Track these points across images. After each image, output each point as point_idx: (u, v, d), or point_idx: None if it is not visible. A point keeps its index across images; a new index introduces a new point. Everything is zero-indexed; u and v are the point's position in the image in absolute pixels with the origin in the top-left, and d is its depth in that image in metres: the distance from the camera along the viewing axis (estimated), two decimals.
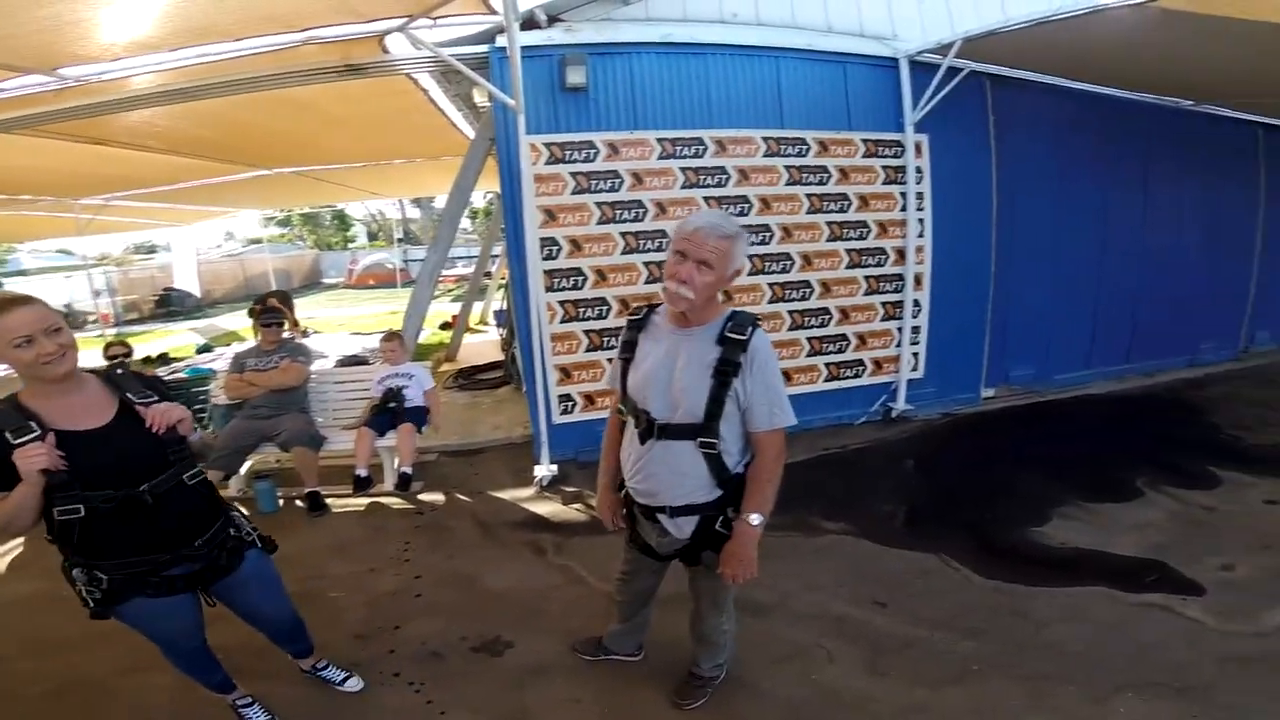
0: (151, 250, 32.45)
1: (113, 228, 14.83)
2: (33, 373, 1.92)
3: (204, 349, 11.70)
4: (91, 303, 16.52)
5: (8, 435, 1.87)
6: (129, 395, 2.11)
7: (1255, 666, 2.82)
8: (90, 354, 9.99)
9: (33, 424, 1.90)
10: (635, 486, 2.29)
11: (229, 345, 11.76)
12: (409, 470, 4.87)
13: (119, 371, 2.21)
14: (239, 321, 16.83)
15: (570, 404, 5.40)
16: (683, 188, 5.27)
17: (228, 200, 13.21)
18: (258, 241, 31.91)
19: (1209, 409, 6.40)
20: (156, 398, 2.15)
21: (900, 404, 6.21)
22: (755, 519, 2.12)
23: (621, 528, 2.51)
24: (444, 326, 12.36)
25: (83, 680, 3.03)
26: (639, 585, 2.70)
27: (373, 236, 41.24)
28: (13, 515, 1.89)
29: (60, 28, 3.46)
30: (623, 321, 2.35)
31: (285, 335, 5.55)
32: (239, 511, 2.47)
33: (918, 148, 5.78)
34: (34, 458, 1.85)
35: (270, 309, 5.66)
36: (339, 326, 15.17)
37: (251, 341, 6.33)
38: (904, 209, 5.86)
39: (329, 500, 4.81)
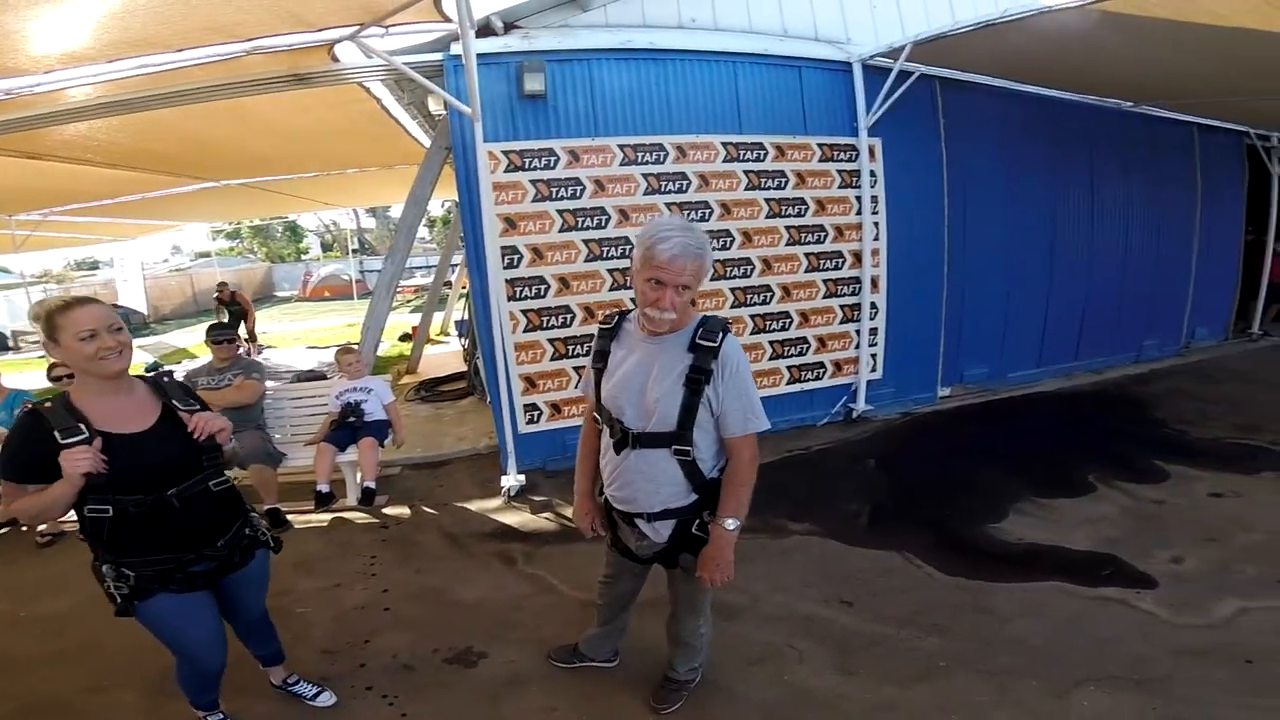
0: (95, 266, 31.39)
1: (52, 243, 14.32)
2: (91, 366, 2.02)
3: (153, 367, 11.36)
4: (30, 322, 15.90)
5: (57, 435, 1.96)
6: (174, 402, 2.21)
7: (1208, 658, 2.90)
8: (32, 375, 9.64)
9: (82, 426, 1.99)
10: (613, 494, 2.31)
11: (180, 363, 11.45)
12: (372, 484, 4.75)
13: (166, 380, 2.30)
14: (189, 338, 16.36)
15: (536, 413, 5.36)
16: (645, 194, 5.29)
17: (174, 214, 12.85)
18: (206, 255, 31.12)
19: (1154, 404, 6.64)
20: (199, 406, 2.25)
21: (860, 405, 6.31)
22: (730, 523, 2.14)
23: (600, 535, 2.51)
24: (404, 338, 12.19)
25: (48, 700, 2.96)
26: (620, 589, 2.71)
27: (327, 248, 40.48)
28: (47, 508, 2.02)
29: None
30: (588, 330, 2.36)
31: (239, 351, 5.40)
32: (256, 511, 2.54)
33: (871, 151, 5.89)
34: (80, 460, 1.94)
35: (220, 325, 5.50)
36: (294, 340, 14.86)
37: (203, 359, 6.15)
38: (859, 212, 5.97)
39: (290, 516, 4.69)
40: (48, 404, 2.06)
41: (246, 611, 2.60)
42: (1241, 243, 9.14)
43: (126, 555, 2.12)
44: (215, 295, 13.43)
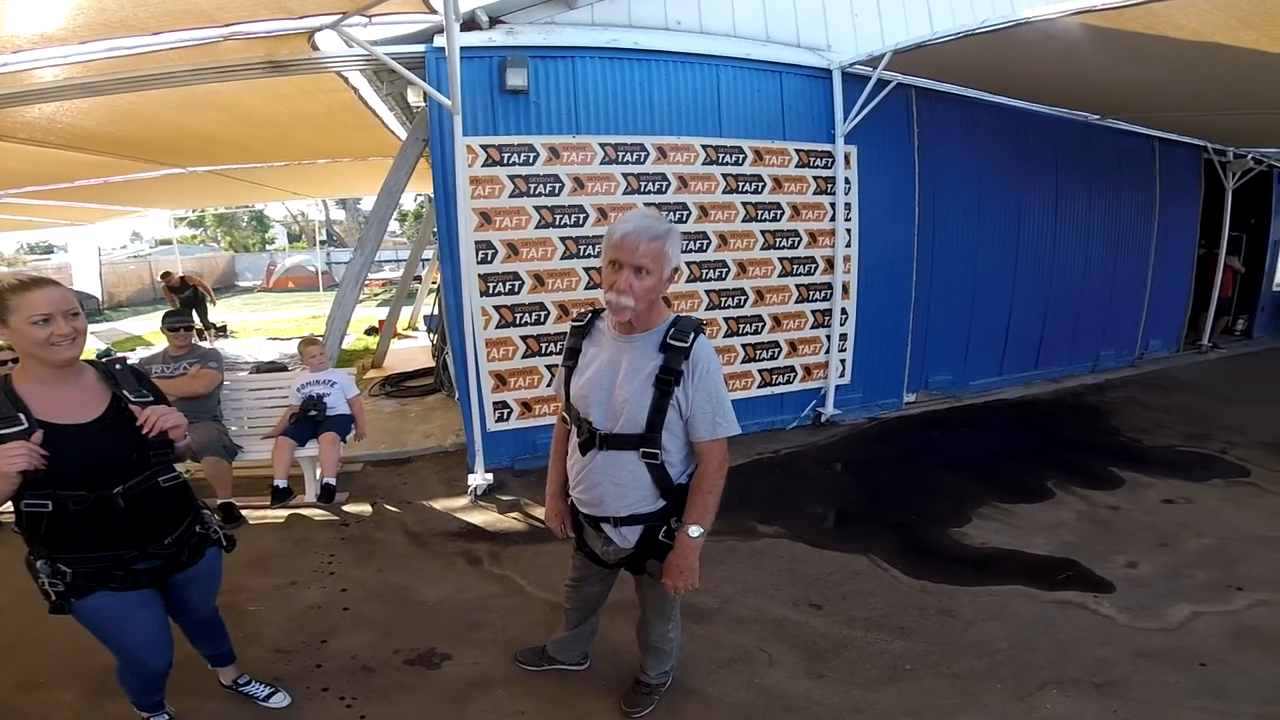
0: (49, 250, 30.39)
1: (5, 226, 13.81)
2: (40, 352, 1.93)
3: (104, 354, 11.02)
4: None
5: None
6: (125, 393, 2.09)
7: (1164, 661, 2.99)
8: None
9: (21, 416, 1.88)
10: (579, 496, 2.26)
11: (134, 350, 11.13)
12: (333, 481, 4.61)
13: (118, 367, 2.17)
14: (144, 325, 15.92)
15: (506, 411, 5.31)
16: (624, 193, 5.27)
17: (136, 199, 12.47)
18: (167, 243, 30.28)
19: (1110, 413, 6.85)
20: (152, 398, 2.14)
21: (829, 409, 6.37)
22: (695, 530, 2.10)
23: (570, 536, 2.48)
24: (370, 332, 12.00)
25: None
26: (587, 592, 2.67)
27: (294, 239, 39.71)
28: None
29: None
30: (561, 328, 2.32)
31: (196, 342, 5.25)
32: (208, 509, 2.43)
33: (847, 159, 5.96)
34: (15, 458, 1.81)
35: (176, 313, 5.34)
36: (255, 330, 14.54)
37: (159, 346, 5.97)
38: (833, 219, 6.03)
39: (245, 511, 4.57)
40: None
41: (195, 611, 2.51)
42: (1195, 256, 9.44)
43: (64, 551, 2.02)
44: (163, 284, 13.10)
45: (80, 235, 18.53)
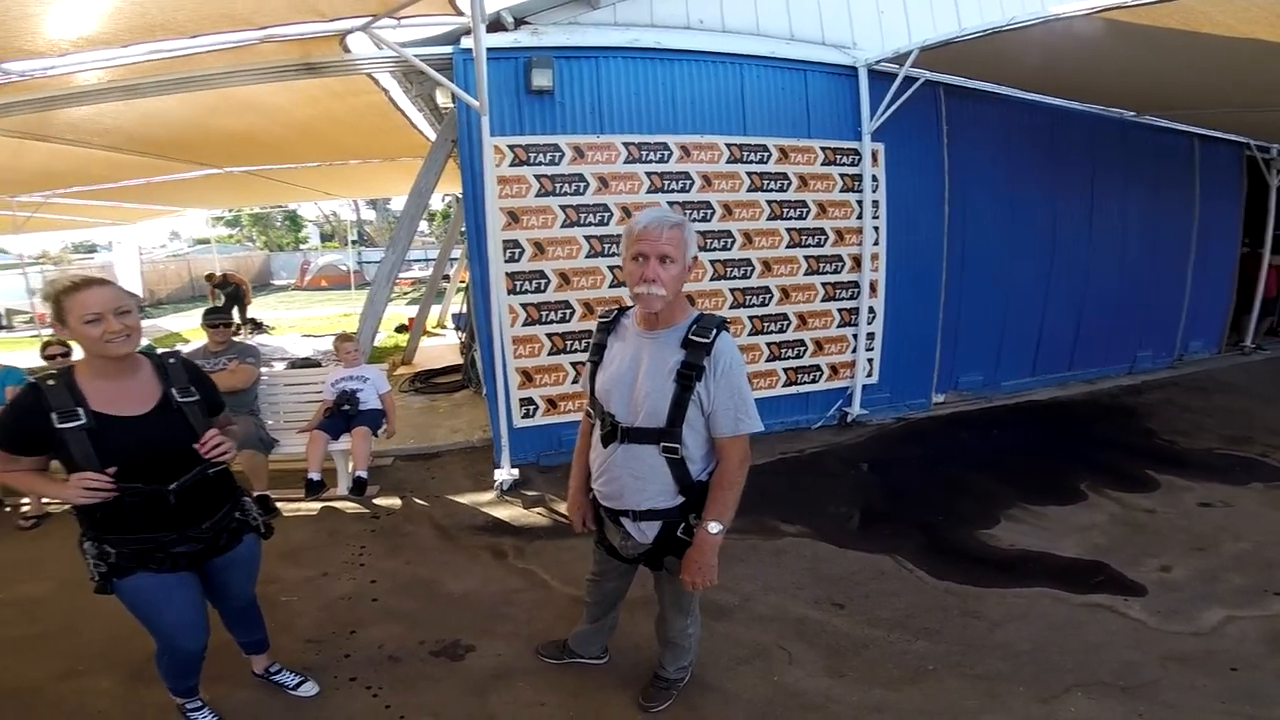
0: (92, 249, 31.21)
1: (52, 225, 14.24)
2: (96, 349, 2.03)
3: (146, 351, 11.31)
4: (27, 302, 15.83)
5: (54, 416, 1.98)
6: (172, 390, 2.19)
7: (1195, 665, 2.94)
8: (25, 354, 9.60)
9: (80, 410, 2.00)
10: (600, 489, 2.29)
11: (173, 347, 11.40)
12: (364, 474, 4.75)
13: (171, 361, 2.28)
14: (184, 323, 16.32)
15: (532, 408, 5.36)
16: (648, 192, 5.30)
17: (175, 199, 12.81)
18: (205, 242, 30.98)
19: (1146, 415, 6.69)
20: (198, 396, 2.24)
21: (856, 409, 6.32)
22: (714, 527, 2.11)
23: (590, 530, 2.51)
24: (400, 329, 12.17)
25: (19, 687, 2.91)
26: (608, 587, 2.69)
27: (326, 238, 40.34)
28: (41, 493, 2.19)
29: (6, 22, 3.33)
30: (586, 325, 2.35)
31: (236, 337, 5.40)
32: (249, 496, 2.53)
33: (874, 156, 5.91)
34: (87, 494, 1.96)
35: (216, 310, 5.50)
36: (290, 328, 14.82)
37: (198, 343, 6.14)
38: (860, 217, 5.98)
39: (280, 504, 4.69)
40: (50, 381, 2.05)
41: (234, 597, 2.58)
42: (1237, 255, 9.17)
43: (109, 532, 2.12)
44: (207, 283, 13.48)
45: (122, 234, 19.01)
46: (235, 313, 12.11)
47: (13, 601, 3.60)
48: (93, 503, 1.99)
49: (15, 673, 3.00)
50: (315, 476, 4.68)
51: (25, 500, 4.63)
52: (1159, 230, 8.05)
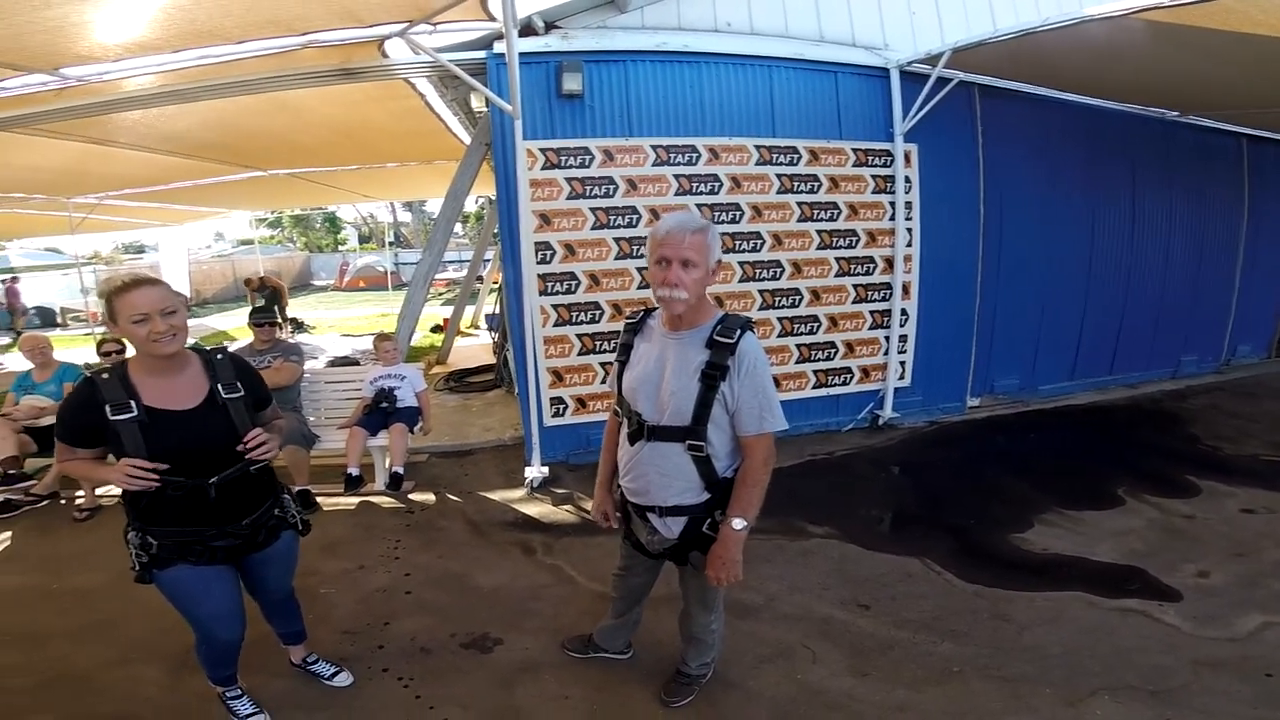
0: (140, 250, 32.19)
1: (104, 227, 14.74)
2: (144, 347, 2.10)
3: (193, 349, 11.64)
4: (81, 301, 16.42)
5: (107, 408, 2.06)
6: (219, 386, 2.26)
7: (1228, 671, 2.89)
8: (80, 351, 9.98)
9: (132, 403, 2.09)
10: (627, 485, 2.34)
11: (220, 345, 11.71)
12: (401, 470, 4.87)
13: (219, 357, 2.35)
14: (229, 321, 16.77)
15: (562, 407, 5.44)
16: (676, 195, 5.33)
17: (221, 201, 13.18)
18: (248, 243, 31.72)
19: (1190, 420, 6.52)
20: (242, 391, 2.31)
21: (887, 412, 6.27)
22: (739, 523, 2.14)
23: (613, 527, 2.55)
24: (435, 329, 12.36)
25: (70, 673, 3.03)
26: (633, 582, 2.74)
27: (364, 240, 41.09)
28: (95, 481, 2.26)
29: (64, 28, 3.49)
30: (615, 326, 2.40)
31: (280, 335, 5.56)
32: (289, 493, 2.61)
33: (907, 157, 5.86)
34: (134, 480, 2.05)
35: (262, 309, 5.66)
36: (329, 328, 15.14)
37: (243, 341, 6.33)
38: (893, 218, 5.94)
39: (319, 499, 4.82)
40: (105, 374, 2.13)
41: (272, 590, 2.67)
42: None
43: (153, 524, 2.20)
44: (246, 286, 13.85)
45: (169, 235, 19.57)
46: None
47: (68, 591, 3.75)
48: (137, 490, 2.07)
49: (70, 659, 3.13)
50: (354, 472, 4.82)
51: (80, 493, 4.82)
52: (1205, 231, 7.83)
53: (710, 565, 2.21)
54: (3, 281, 18.11)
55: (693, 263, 2.03)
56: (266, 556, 2.48)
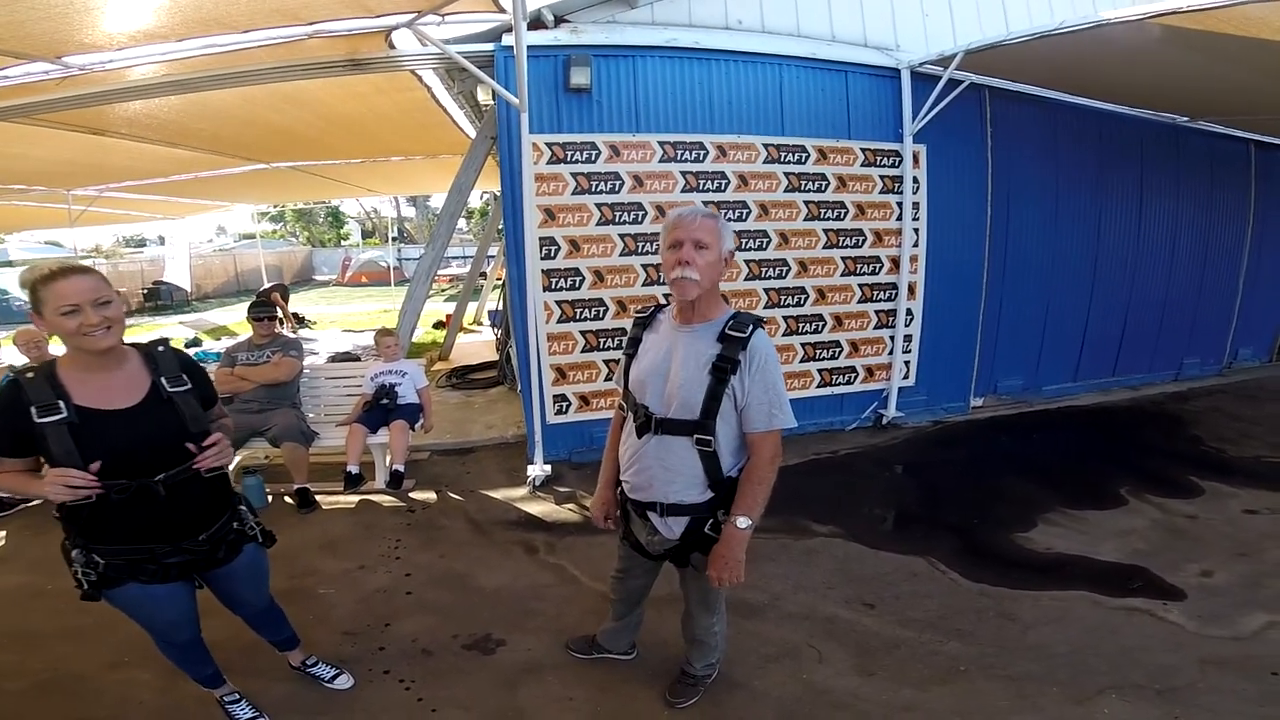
0: (142, 243, 32.21)
1: (105, 219, 14.73)
2: (75, 342, 1.92)
3: (193, 343, 11.66)
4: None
5: (33, 411, 1.88)
6: (162, 380, 2.09)
7: (1233, 669, 2.89)
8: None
9: (61, 403, 1.90)
10: (629, 480, 2.30)
11: (218, 339, 11.72)
12: (401, 468, 4.82)
13: (160, 349, 2.17)
14: (229, 316, 16.74)
15: (565, 404, 5.41)
16: (682, 191, 5.30)
17: (223, 194, 13.17)
18: (250, 237, 31.69)
19: (1192, 422, 6.52)
20: (189, 384, 2.14)
21: (891, 411, 6.26)
22: (743, 522, 2.11)
23: (612, 527, 2.53)
24: (437, 326, 12.35)
25: (67, 675, 2.99)
26: (632, 584, 2.71)
27: (367, 234, 41.06)
28: (26, 494, 1.96)
29: (68, 15, 3.44)
30: (620, 323, 2.38)
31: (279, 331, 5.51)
32: (246, 503, 2.44)
33: (915, 158, 5.84)
34: (64, 490, 1.86)
35: (261, 303, 5.62)
36: (331, 323, 15.12)
37: (244, 335, 6.31)
38: (900, 218, 5.92)
39: (319, 497, 4.78)
40: (30, 374, 1.95)
41: (247, 604, 2.57)
42: None
43: (99, 541, 2.03)
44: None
45: (172, 228, 19.54)
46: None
47: (62, 592, 3.65)
48: (74, 501, 1.89)
49: (66, 661, 3.08)
50: (354, 469, 4.77)
51: None
52: (1210, 236, 7.83)
53: (712, 565, 2.18)
54: None
55: (705, 244, 2.03)
56: (232, 572, 2.35)
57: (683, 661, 2.79)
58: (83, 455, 1.89)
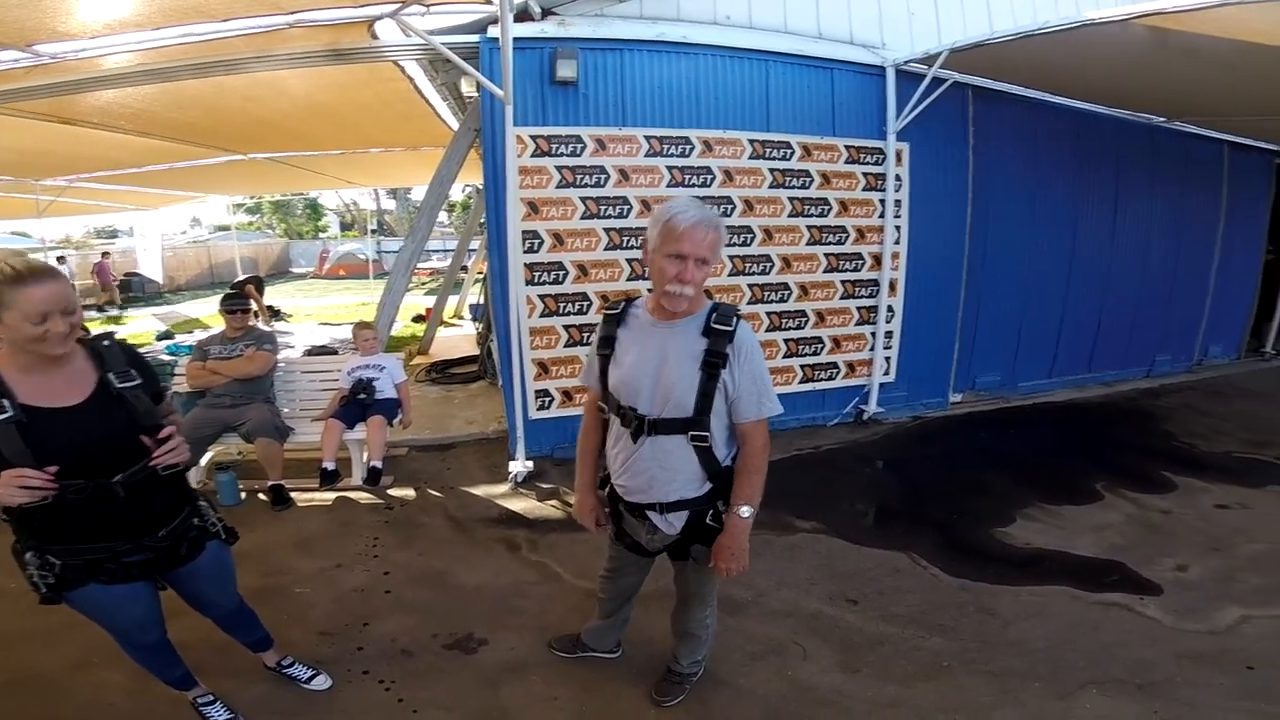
0: (113, 235, 31.56)
1: (75, 210, 14.39)
2: (34, 346, 1.83)
3: (164, 335, 11.45)
4: None
5: None
6: (110, 375, 1.99)
7: (1210, 663, 2.94)
8: None
9: (5, 402, 1.80)
10: (624, 484, 2.25)
11: (191, 332, 11.52)
12: (379, 464, 4.76)
13: (105, 344, 2.07)
14: (203, 309, 16.46)
15: (548, 399, 5.38)
16: (668, 186, 5.28)
17: (198, 185, 12.90)
18: (225, 228, 31.23)
19: (1164, 418, 6.66)
20: (139, 380, 2.05)
21: (872, 407, 6.30)
22: (746, 511, 2.12)
23: (604, 530, 2.49)
24: (417, 319, 12.23)
25: (33, 676, 2.90)
26: (624, 582, 2.69)
27: (346, 227, 40.55)
28: None
29: (41, 2, 3.35)
30: None
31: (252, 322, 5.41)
32: (205, 501, 2.38)
33: (898, 155, 5.87)
34: (19, 493, 1.77)
35: (235, 295, 5.51)
36: (307, 316, 14.94)
37: (217, 329, 6.19)
38: (882, 215, 5.95)
39: (294, 494, 4.68)
40: None
41: (215, 605, 2.51)
42: (1261, 263, 9.06)
43: (53, 542, 1.95)
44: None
45: (143, 220, 19.20)
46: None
47: (27, 591, 3.57)
48: (30, 503, 1.80)
49: (30, 662, 2.98)
50: (330, 466, 4.71)
51: None
52: (1183, 235, 7.97)
53: (718, 556, 2.18)
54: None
55: (707, 261, 1.98)
56: (195, 571, 2.27)
57: (669, 659, 2.77)
58: (35, 455, 1.80)
